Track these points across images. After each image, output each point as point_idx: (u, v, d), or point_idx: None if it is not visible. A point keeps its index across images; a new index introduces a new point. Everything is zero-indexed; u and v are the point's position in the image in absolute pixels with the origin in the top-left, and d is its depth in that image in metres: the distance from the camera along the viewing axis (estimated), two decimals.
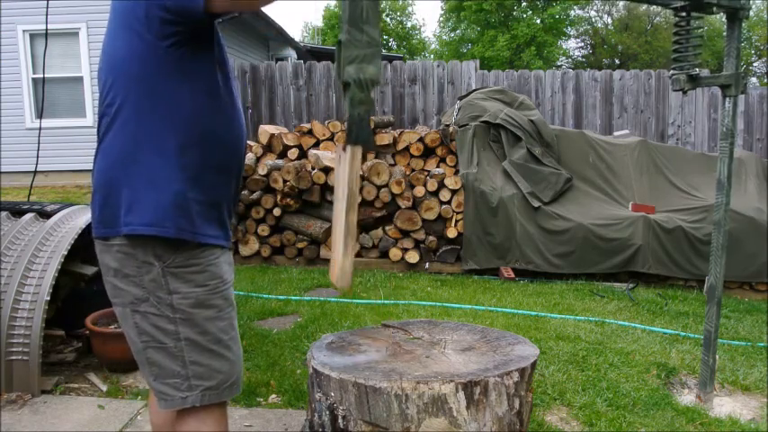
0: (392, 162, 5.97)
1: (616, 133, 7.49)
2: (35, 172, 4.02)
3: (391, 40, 32.31)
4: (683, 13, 2.87)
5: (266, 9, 14.67)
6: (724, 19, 2.91)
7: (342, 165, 1.62)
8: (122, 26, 1.51)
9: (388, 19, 32.05)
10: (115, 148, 1.54)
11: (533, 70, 8.65)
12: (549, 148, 6.01)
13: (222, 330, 1.60)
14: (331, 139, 6.25)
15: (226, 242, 1.67)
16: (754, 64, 28.94)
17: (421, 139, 5.96)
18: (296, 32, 50.12)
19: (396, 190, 5.63)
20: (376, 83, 1.71)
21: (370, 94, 1.69)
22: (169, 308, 1.54)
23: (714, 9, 2.78)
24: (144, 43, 1.47)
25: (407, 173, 5.82)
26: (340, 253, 1.57)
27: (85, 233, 3.05)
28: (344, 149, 1.61)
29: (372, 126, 6.18)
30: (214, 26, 1.56)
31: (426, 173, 5.77)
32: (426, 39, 35.75)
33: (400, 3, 32.73)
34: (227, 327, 1.62)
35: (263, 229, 5.83)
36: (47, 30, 3.53)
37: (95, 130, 1.62)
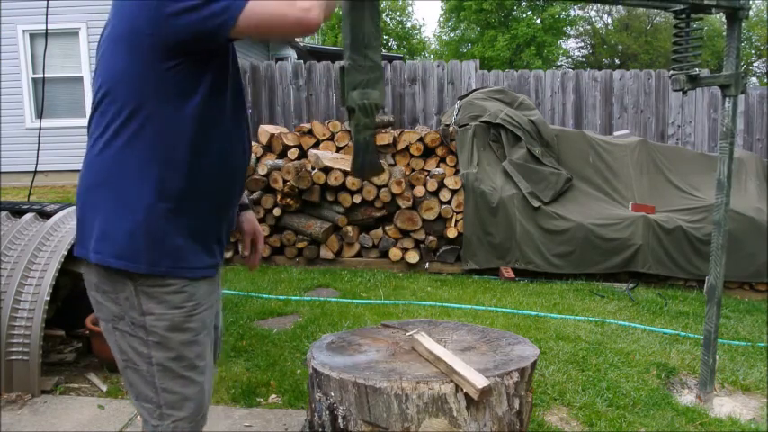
0: (392, 162, 5.97)
1: (616, 133, 7.49)
2: (35, 172, 4.02)
3: (391, 40, 32.31)
4: (683, 16, 2.87)
5: None
6: (724, 19, 2.91)
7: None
8: (122, 36, 1.39)
9: (388, 19, 32.04)
10: (95, 167, 1.46)
11: (533, 70, 8.65)
12: (549, 148, 6.01)
13: (198, 356, 1.52)
14: (331, 139, 6.25)
15: (210, 270, 1.57)
16: (754, 64, 28.94)
17: (421, 139, 5.96)
18: None
19: (396, 190, 5.62)
20: (380, 107, 1.74)
21: (375, 119, 1.72)
22: (142, 329, 1.46)
23: (713, 10, 2.78)
24: (142, 60, 1.36)
25: (407, 173, 5.82)
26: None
27: None
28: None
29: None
30: (229, 48, 1.46)
31: (426, 173, 5.77)
32: (426, 39, 35.76)
33: (400, 3, 32.72)
34: (203, 352, 1.54)
35: (263, 229, 5.83)
36: (47, 30, 3.53)
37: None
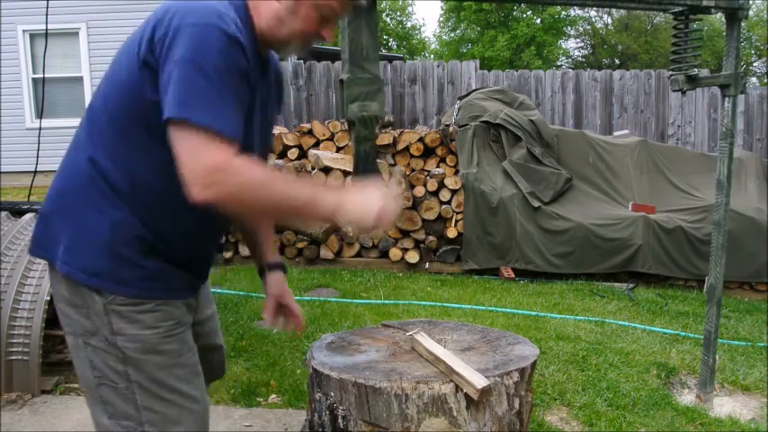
0: (392, 162, 5.97)
1: (616, 133, 7.49)
2: (35, 172, 4.02)
3: (391, 40, 32.30)
4: (682, 17, 2.87)
5: None
6: (723, 19, 2.91)
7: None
8: (126, 52, 1.34)
9: (387, 19, 32.04)
10: (73, 171, 1.38)
11: (533, 70, 8.65)
12: (549, 148, 6.01)
13: (181, 380, 1.39)
14: (331, 139, 6.25)
15: (189, 293, 1.47)
16: (754, 64, 28.93)
17: (421, 139, 5.96)
18: None
19: None
20: (379, 118, 1.74)
21: (375, 131, 1.73)
22: (115, 348, 1.35)
23: (713, 10, 2.78)
24: (132, 82, 1.30)
25: (407, 173, 5.82)
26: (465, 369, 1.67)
27: None
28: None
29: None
30: None
31: (426, 173, 5.77)
32: (426, 39, 35.73)
33: (400, 3, 32.72)
34: (188, 374, 1.41)
35: None
36: (47, 30, 3.53)
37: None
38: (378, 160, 5.59)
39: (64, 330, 1.41)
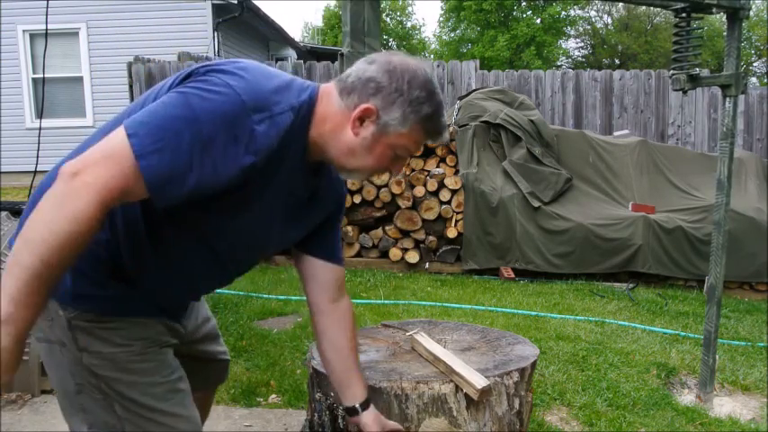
0: None
1: (616, 133, 7.50)
2: (35, 172, 4.02)
3: (391, 39, 32.31)
4: (683, 14, 2.87)
5: (266, 9, 14.67)
6: (724, 19, 2.91)
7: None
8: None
9: (387, 19, 32.05)
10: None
11: (533, 70, 8.65)
12: (549, 148, 6.01)
13: (159, 399, 1.31)
14: None
15: (162, 316, 1.37)
16: (754, 64, 28.93)
17: None
18: (296, 32, 50.14)
19: (396, 190, 5.62)
20: None
21: None
22: (84, 366, 1.26)
23: (714, 9, 2.78)
24: None
25: (407, 173, 5.82)
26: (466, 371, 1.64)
27: None
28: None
29: None
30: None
31: (426, 173, 5.77)
32: (426, 39, 35.74)
33: (400, 3, 32.72)
34: (168, 391, 1.33)
35: None
36: (47, 30, 3.52)
37: (93, 130, 1.45)
38: None
39: (36, 337, 1.32)
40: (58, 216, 1.03)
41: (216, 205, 1.21)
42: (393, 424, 1.57)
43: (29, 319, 1.05)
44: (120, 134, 1.09)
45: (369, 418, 1.54)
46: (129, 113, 1.23)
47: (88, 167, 1.06)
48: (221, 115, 1.11)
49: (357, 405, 1.54)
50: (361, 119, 1.24)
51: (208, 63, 1.21)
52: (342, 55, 1.66)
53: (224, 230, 1.29)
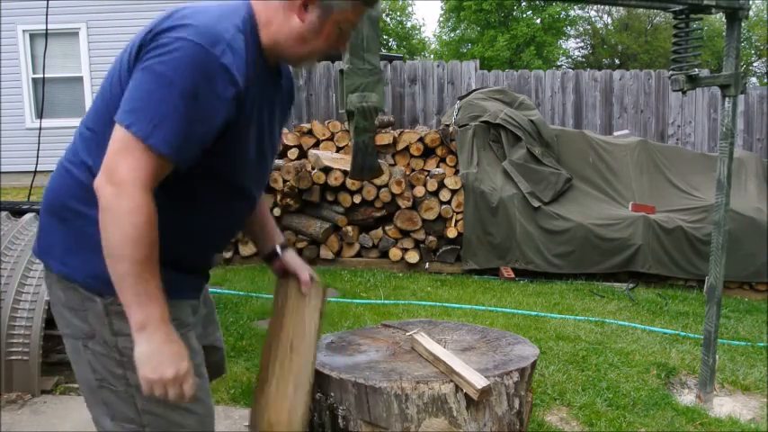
0: (392, 162, 5.97)
1: (616, 133, 7.49)
2: (35, 172, 4.03)
3: (391, 39, 32.30)
4: (683, 16, 2.87)
5: None
6: (724, 19, 2.91)
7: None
8: (119, 59, 1.33)
9: (387, 19, 32.03)
10: (72, 181, 1.35)
11: (533, 70, 8.65)
12: (549, 148, 6.01)
13: None
14: (331, 139, 6.25)
15: (191, 293, 1.46)
16: (754, 64, 28.92)
17: (421, 139, 5.96)
18: None
19: (396, 190, 5.62)
20: (379, 110, 1.73)
21: (374, 122, 1.72)
22: (115, 350, 1.33)
23: (713, 10, 2.78)
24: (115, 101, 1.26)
25: (407, 173, 5.82)
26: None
27: None
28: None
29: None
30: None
31: (426, 173, 5.77)
32: (426, 39, 35.74)
33: (400, 3, 32.72)
34: None
35: None
36: (47, 30, 3.53)
37: None
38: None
39: (62, 333, 1.39)
40: (117, 221, 1.17)
41: (225, 146, 1.30)
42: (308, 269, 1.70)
43: (160, 309, 1.22)
44: (119, 132, 1.19)
45: (289, 256, 1.69)
46: (102, 97, 1.34)
47: (114, 171, 1.18)
48: (190, 66, 1.19)
49: (277, 247, 1.69)
50: (305, 5, 1.33)
51: (149, 27, 1.27)
52: (341, 72, 1.66)
53: (239, 163, 1.37)
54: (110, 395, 1.36)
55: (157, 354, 1.22)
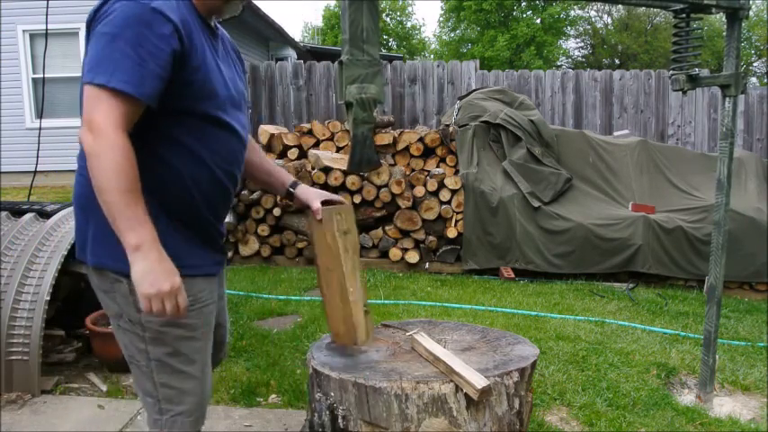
0: (392, 162, 5.97)
1: (616, 133, 7.49)
2: (35, 172, 4.03)
3: (391, 40, 32.30)
4: (683, 15, 2.87)
5: (266, 9, 14.69)
6: (724, 19, 2.91)
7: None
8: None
9: (387, 19, 32.04)
10: (83, 175, 1.47)
11: (533, 70, 8.65)
12: (548, 148, 6.01)
13: (196, 351, 1.56)
14: (331, 139, 6.25)
15: (210, 268, 1.61)
16: (754, 64, 28.93)
17: (421, 140, 5.96)
18: (296, 32, 50.13)
19: (396, 190, 5.62)
20: (378, 101, 1.74)
21: (373, 114, 1.72)
22: (139, 326, 1.51)
23: (713, 10, 2.78)
24: None
25: (407, 173, 5.82)
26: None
27: None
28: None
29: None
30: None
31: (426, 173, 5.77)
32: (426, 39, 35.75)
33: (400, 3, 32.72)
34: (201, 348, 1.58)
35: (263, 229, 5.83)
36: (47, 30, 3.53)
37: None
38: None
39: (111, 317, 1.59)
40: (100, 160, 1.33)
41: (191, 80, 1.46)
42: (327, 193, 1.90)
43: (150, 232, 1.36)
44: (87, 90, 1.37)
45: (303, 190, 1.90)
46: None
47: (91, 121, 1.34)
48: (128, 19, 1.37)
49: (288, 187, 1.90)
50: None
51: (91, 10, 1.46)
52: (340, 63, 1.65)
53: (211, 96, 1.52)
54: (136, 370, 1.56)
55: (153, 271, 1.35)
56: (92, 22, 1.44)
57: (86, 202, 1.50)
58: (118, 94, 1.34)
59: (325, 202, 1.88)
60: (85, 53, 1.44)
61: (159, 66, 1.38)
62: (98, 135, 1.33)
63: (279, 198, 5.74)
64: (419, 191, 5.67)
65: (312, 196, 1.88)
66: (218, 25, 1.70)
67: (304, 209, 1.90)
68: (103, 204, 1.35)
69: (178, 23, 1.42)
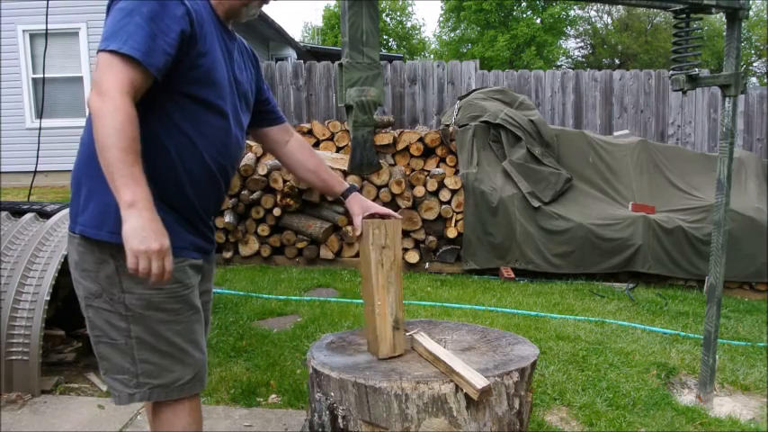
0: (392, 162, 5.97)
1: (616, 133, 7.49)
2: (35, 172, 4.03)
3: (391, 40, 32.30)
4: (683, 15, 2.87)
5: (266, 9, 14.66)
6: (724, 19, 2.91)
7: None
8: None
9: (387, 19, 32.03)
10: (84, 145, 1.57)
11: (533, 70, 8.65)
12: (548, 148, 6.01)
13: (177, 333, 1.59)
14: (331, 139, 6.25)
15: (197, 253, 1.66)
16: (754, 64, 28.93)
17: (421, 139, 5.96)
18: (296, 32, 50.13)
19: (396, 190, 5.62)
20: (378, 104, 1.75)
21: (373, 116, 1.74)
22: (122, 305, 1.55)
23: (713, 10, 2.78)
24: None
25: (407, 173, 5.82)
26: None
27: None
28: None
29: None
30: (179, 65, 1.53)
31: (426, 173, 5.77)
32: (426, 39, 35.75)
33: (400, 3, 32.71)
34: (184, 330, 1.61)
35: (263, 229, 5.83)
36: (47, 30, 3.53)
37: None
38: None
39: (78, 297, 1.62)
40: (104, 120, 1.38)
41: (196, 65, 1.53)
42: (377, 206, 1.94)
43: (146, 191, 1.40)
44: (100, 57, 1.44)
45: (352, 201, 1.95)
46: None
47: (100, 84, 1.40)
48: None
49: (340, 195, 1.98)
50: None
51: None
52: (340, 65, 1.66)
53: (213, 84, 1.58)
54: (107, 349, 1.58)
55: (145, 229, 1.38)
56: (112, 1, 1.51)
57: (80, 171, 1.56)
58: (127, 61, 1.41)
59: (372, 215, 1.91)
60: (104, 27, 1.50)
61: (168, 44, 1.46)
62: (104, 97, 1.39)
63: (279, 198, 5.74)
64: (419, 191, 5.67)
65: (357, 210, 1.93)
66: (236, 34, 1.77)
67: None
68: (103, 162, 1.39)
69: (190, 8, 1.51)
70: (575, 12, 29.14)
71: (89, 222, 1.53)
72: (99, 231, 1.52)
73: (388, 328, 1.83)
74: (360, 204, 1.94)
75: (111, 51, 1.41)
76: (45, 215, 3.26)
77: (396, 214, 1.95)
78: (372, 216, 1.92)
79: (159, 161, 1.54)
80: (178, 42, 1.48)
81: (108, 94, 1.39)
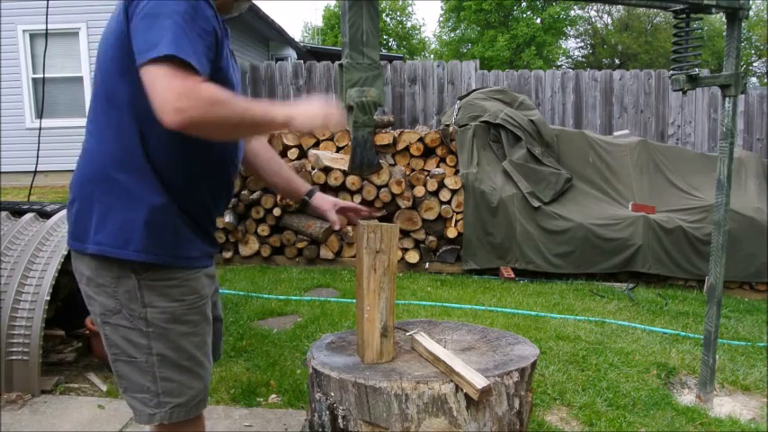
0: (392, 162, 5.97)
1: (616, 133, 7.49)
2: (35, 172, 4.03)
3: (391, 40, 32.30)
4: (683, 15, 2.87)
5: (266, 9, 14.66)
6: (724, 19, 2.91)
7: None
8: (114, 29, 1.44)
9: (387, 19, 32.04)
10: (93, 157, 1.49)
11: (533, 70, 8.65)
12: (548, 148, 6.01)
13: (196, 346, 1.57)
14: (331, 139, 6.25)
15: (209, 260, 1.63)
16: (754, 64, 28.93)
17: (421, 139, 5.96)
18: (296, 32, 50.13)
19: (396, 190, 5.62)
20: (378, 105, 1.74)
21: (373, 117, 1.73)
22: (143, 321, 1.49)
23: (713, 10, 2.78)
24: (125, 53, 1.40)
25: (407, 173, 5.82)
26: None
27: None
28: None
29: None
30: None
31: (426, 173, 5.77)
32: (426, 39, 35.75)
33: (400, 3, 32.71)
34: (201, 342, 1.59)
35: (263, 229, 5.83)
36: (47, 30, 3.53)
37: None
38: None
39: (89, 310, 1.56)
40: (207, 116, 1.28)
41: (217, 63, 1.46)
42: (345, 202, 1.93)
43: (281, 104, 1.42)
44: (151, 69, 1.28)
45: (318, 200, 1.93)
46: (95, 84, 1.50)
47: (168, 102, 1.26)
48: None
49: (304, 196, 1.93)
50: None
51: None
52: (340, 66, 1.66)
53: (228, 84, 1.50)
54: (126, 367, 1.53)
55: (312, 105, 1.42)
56: (128, 9, 1.38)
57: (92, 186, 1.47)
58: (186, 64, 1.29)
59: (341, 210, 1.90)
60: (133, 35, 1.37)
61: (208, 47, 1.39)
62: (201, 94, 1.27)
63: (279, 198, 5.74)
64: (419, 191, 5.67)
65: (327, 206, 1.90)
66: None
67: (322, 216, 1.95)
68: (248, 129, 1.43)
69: (215, 8, 1.44)
70: (575, 12, 29.13)
71: (110, 241, 1.45)
72: (124, 251, 1.45)
73: (375, 334, 1.79)
74: (328, 201, 1.92)
75: (166, 58, 1.27)
76: (45, 215, 3.26)
77: (365, 208, 1.95)
78: (344, 211, 1.90)
79: (181, 166, 1.50)
80: (214, 45, 1.43)
81: (186, 106, 1.25)
